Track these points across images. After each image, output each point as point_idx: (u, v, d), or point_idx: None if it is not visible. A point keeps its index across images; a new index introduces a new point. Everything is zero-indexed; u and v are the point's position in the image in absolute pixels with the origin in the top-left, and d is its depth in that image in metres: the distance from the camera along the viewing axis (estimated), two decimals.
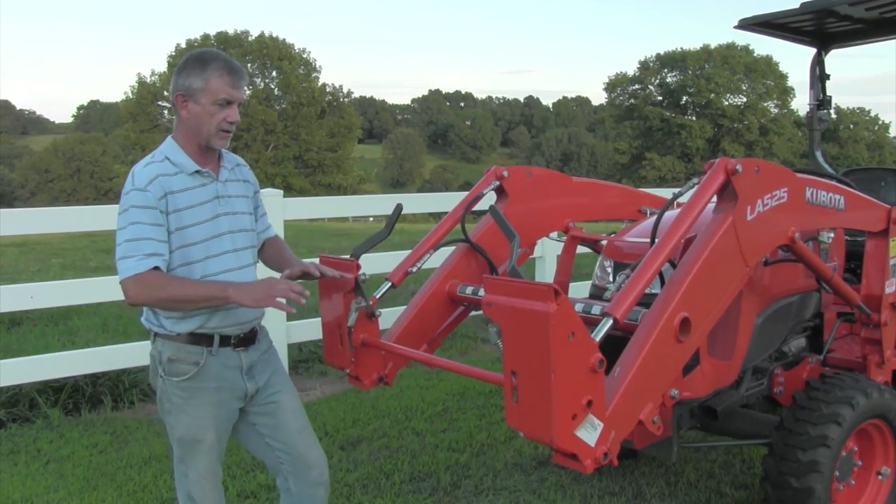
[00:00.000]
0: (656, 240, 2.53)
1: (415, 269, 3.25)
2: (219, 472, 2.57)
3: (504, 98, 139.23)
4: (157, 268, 2.28)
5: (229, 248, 2.46)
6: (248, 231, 2.56)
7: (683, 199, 2.68)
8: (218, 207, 2.46)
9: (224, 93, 2.36)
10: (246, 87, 2.45)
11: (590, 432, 2.09)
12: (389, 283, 3.20)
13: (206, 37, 51.44)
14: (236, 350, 2.48)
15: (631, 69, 76.04)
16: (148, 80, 50.84)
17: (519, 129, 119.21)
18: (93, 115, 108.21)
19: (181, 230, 2.35)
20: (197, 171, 2.42)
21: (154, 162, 2.41)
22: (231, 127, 2.42)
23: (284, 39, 52.72)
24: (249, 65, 51.51)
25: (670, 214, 2.78)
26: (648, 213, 3.95)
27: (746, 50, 57.81)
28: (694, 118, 59.31)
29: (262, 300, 2.29)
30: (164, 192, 2.33)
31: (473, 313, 3.44)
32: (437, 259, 3.34)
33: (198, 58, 2.40)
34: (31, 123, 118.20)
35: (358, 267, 2.78)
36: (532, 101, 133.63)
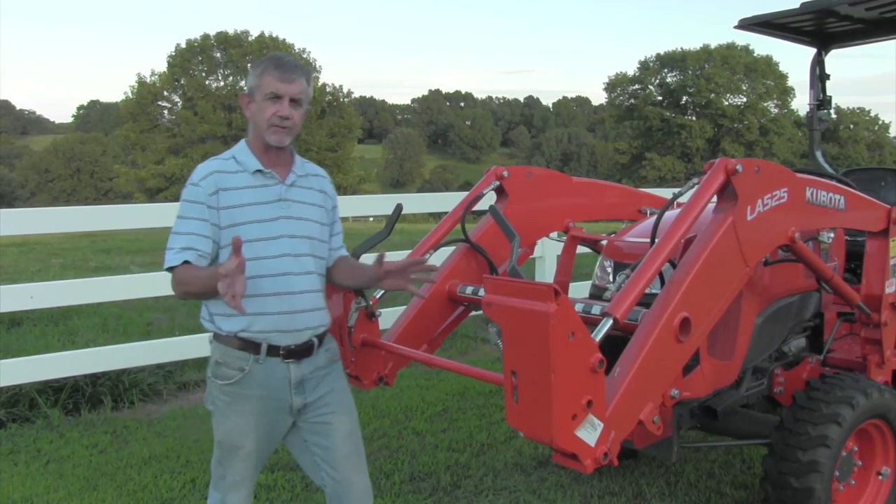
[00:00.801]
0: (656, 240, 2.53)
1: None
2: (254, 480, 2.52)
3: (504, 98, 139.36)
4: (187, 262, 2.29)
5: (288, 252, 2.40)
6: (313, 239, 2.48)
7: (683, 199, 2.68)
8: (279, 210, 2.42)
9: (271, 87, 2.36)
10: (303, 83, 2.41)
11: (590, 432, 2.09)
12: None
13: (206, 37, 51.37)
14: (285, 361, 2.41)
15: (631, 69, 76.07)
16: (148, 80, 50.79)
17: (519, 129, 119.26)
18: (93, 115, 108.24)
19: (234, 227, 2.34)
20: (259, 171, 2.41)
21: (217, 158, 2.45)
22: (282, 122, 2.39)
23: (284, 39, 52.65)
24: (249, 65, 51.45)
25: (670, 214, 2.78)
26: (648, 213, 3.95)
27: (746, 50, 57.80)
28: (694, 118, 59.29)
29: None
30: (217, 188, 2.34)
31: (473, 313, 3.44)
32: (437, 259, 3.34)
33: (258, 60, 2.47)
34: (31, 123, 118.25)
35: None
36: (532, 101, 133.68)
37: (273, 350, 2.38)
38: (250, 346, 2.37)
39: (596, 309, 2.68)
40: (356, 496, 2.55)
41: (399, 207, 3.10)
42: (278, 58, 2.43)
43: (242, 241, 2.17)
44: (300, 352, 2.43)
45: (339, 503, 2.57)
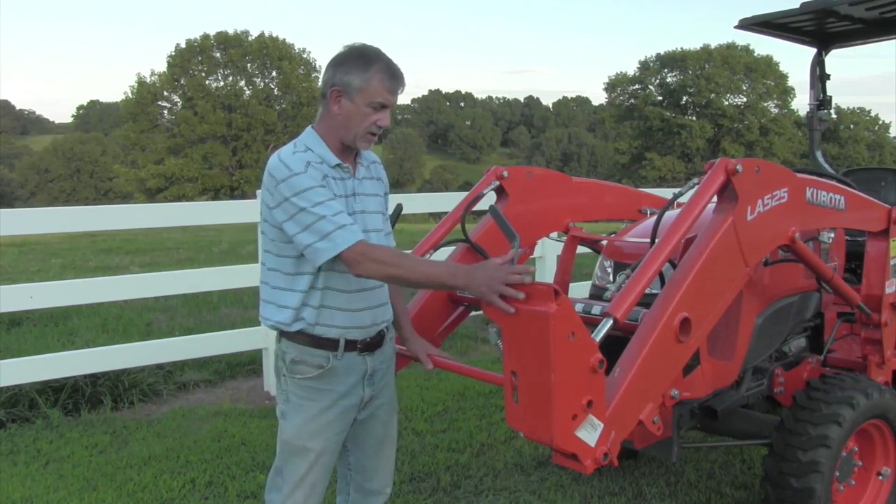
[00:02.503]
0: (656, 240, 2.53)
1: None
2: (319, 484, 2.42)
3: (504, 98, 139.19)
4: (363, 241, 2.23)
5: None
6: (378, 231, 2.46)
7: (683, 199, 2.68)
8: (354, 204, 2.38)
9: (381, 97, 2.29)
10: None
11: (590, 432, 2.09)
12: None
13: (206, 37, 51.42)
14: (361, 355, 2.40)
15: (631, 69, 76.08)
16: (148, 80, 50.82)
17: (519, 129, 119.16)
18: (93, 115, 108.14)
19: None
20: (338, 165, 2.36)
21: (299, 151, 2.32)
22: (379, 130, 2.36)
23: (284, 39, 52.74)
24: (249, 65, 51.52)
25: (670, 214, 2.78)
26: (648, 213, 3.95)
27: (746, 50, 57.78)
28: (694, 118, 59.27)
29: (486, 292, 2.04)
30: (323, 175, 2.28)
31: (473, 313, 3.44)
32: (438, 259, 3.33)
33: (360, 55, 2.31)
34: (31, 123, 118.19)
35: None
36: (532, 101, 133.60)
37: (350, 345, 2.37)
38: (326, 343, 2.34)
39: (596, 309, 2.68)
40: (380, 481, 2.62)
41: (399, 207, 3.09)
42: (390, 65, 2.32)
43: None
44: (374, 344, 2.44)
45: (358, 487, 2.62)
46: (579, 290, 4.96)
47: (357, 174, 2.42)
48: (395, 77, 2.31)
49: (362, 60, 2.29)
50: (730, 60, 57.13)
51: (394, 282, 2.35)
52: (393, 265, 2.20)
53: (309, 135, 2.38)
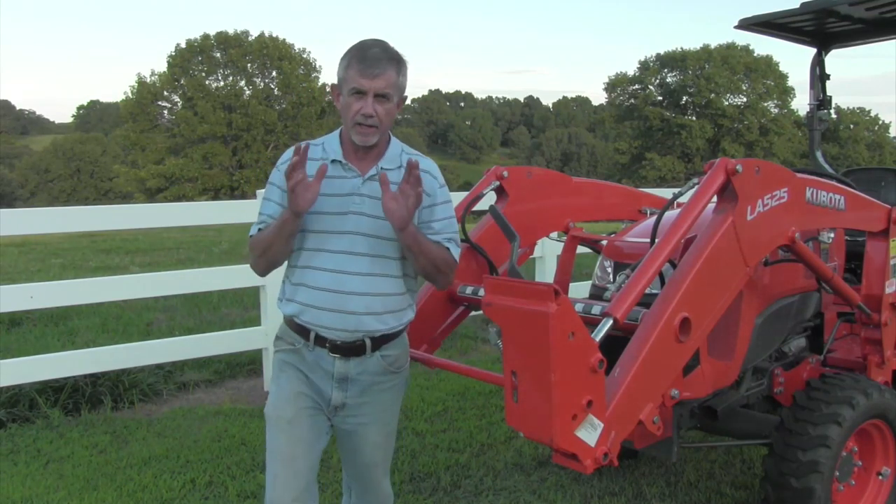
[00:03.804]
0: (656, 240, 2.53)
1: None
2: (298, 459, 2.34)
3: (504, 98, 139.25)
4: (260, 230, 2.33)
5: (347, 249, 2.30)
6: (382, 239, 2.31)
7: (683, 199, 2.68)
8: (350, 204, 2.30)
9: (355, 82, 2.23)
10: (391, 75, 2.25)
11: (590, 432, 2.09)
12: None
13: (205, 37, 51.39)
14: (331, 355, 2.34)
15: (631, 69, 76.09)
16: (148, 80, 50.80)
17: (519, 129, 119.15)
18: (93, 115, 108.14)
19: (307, 214, 2.28)
20: (336, 161, 2.33)
21: (309, 143, 2.34)
22: (366, 120, 2.25)
23: (284, 39, 52.67)
24: (249, 65, 51.52)
25: (670, 214, 2.78)
26: (648, 213, 3.95)
27: (746, 50, 57.76)
28: (694, 118, 59.26)
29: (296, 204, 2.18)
30: (315, 169, 2.28)
31: (473, 313, 3.44)
32: None
33: (348, 49, 2.31)
34: (31, 123, 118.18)
35: None
36: (532, 101, 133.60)
37: (320, 340, 2.34)
38: (302, 330, 2.36)
39: (596, 309, 2.68)
40: (376, 501, 2.58)
41: None
42: (363, 49, 2.26)
43: (307, 229, 2.29)
44: (347, 349, 2.34)
45: (360, 494, 2.60)
46: (579, 290, 4.97)
47: (367, 173, 2.33)
48: (364, 60, 2.22)
49: (345, 54, 2.29)
50: (730, 60, 57.12)
51: (268, 263, 2.35)
52: (252, 248, 2.34)
53: (336, 131, 2.43)
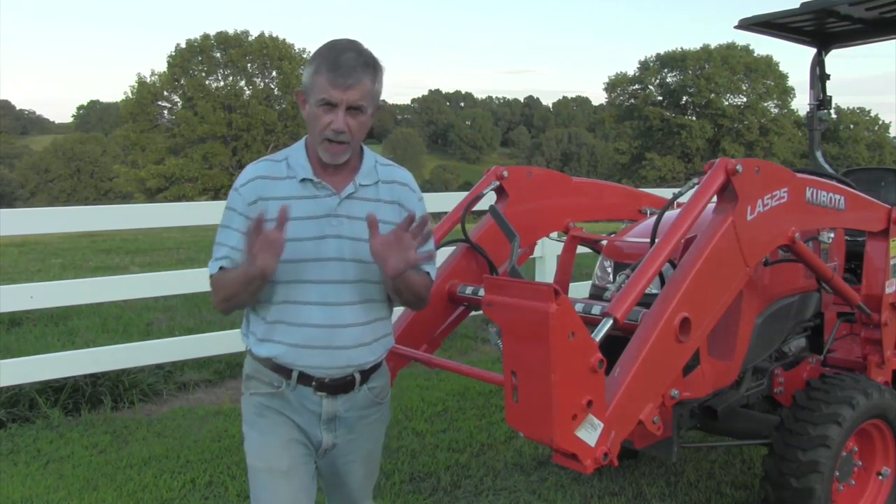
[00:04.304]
0: (656, 240, 2.53)
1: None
2: None
3: (504, 98, 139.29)
4: (223, 268, 2.05)
5: (335, 278, 2.06)
6: (366, 263, 2.05)
7: (683, 199, 2.68)
8: (327, 227, 2.05)
9: (324, 92, 1.96)
10: (366, 84, 1.99)
11: (590, 432, 2.09)
12: None
13: (205, 37, 51.44)
14: (317, 394, 2.10)
15: (631, 69, 76.15)
16: (148, 80, 50.85)
17: (519, 129, 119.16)
18: (93, 115, 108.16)
19: None
20: (307, 180, 2.06)
21: (268, 159, 2.11)
22: (337, 136, 2.00)
23: (284, 39, 52.76)
24: (249, 65, 51.54)
25: (670, 214, 2.78)
26: (648, 213, 3.95)
27: (746, 50, 57.78)
28: (694, 118, 59.28)
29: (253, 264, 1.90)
30: (258, 196, 2.04)
31: (473, 313, 3.44)
32: (438, 259, 3.32)
33: (317, 49, 2.03)
34: (31, 123, 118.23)
35: None
36: (532, 101, 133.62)
37: (305, 378, 2.09)
38: (282, 369, 2.10)
39: (596, 309, 2.68)
40: None
41: None
42: (335, 54, 1.98)
43: (281, 261, 1.95)
44: (335, 387, 2.11)
45: None
46: (579, 290, 4.97)
47: (343, 192, 2.08)
48: (336, 68, 1.95)
49: (314, 55, 2.03)
50: (730, 60, 57.13)
51: (234, 307, 2.08)
52: (220, 288, 2.05)
53: (299, 143, 2.15)
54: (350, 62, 1.96)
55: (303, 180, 2.06)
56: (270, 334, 2.09)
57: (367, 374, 2.17)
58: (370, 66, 2.01)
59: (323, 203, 2.06)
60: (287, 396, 2.11)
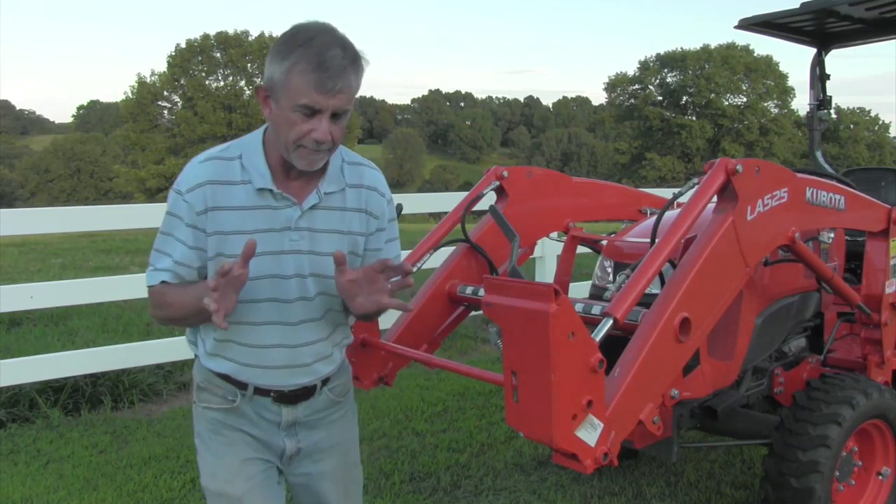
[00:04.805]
0: (656, 240, 2.53)
1: (415, 269, 3.25)
2: None
3: (504, 98, 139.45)
4: (164, 282, 1.85)
5: (292, 296, 1.88)
6: (326, 277, 1.88)
7: (683, 199, 2.68)
8: (285, 242, 1.83)
9: (306, 97, 1.68)
10: (350, 85, 1.72)
11: (590, 432, 2.09)
12: None
13: (206, 37, 51.39)
14: (276, 404, 1.97)
15: (631, 69, 76.21)
16: (148, 80, 50.84)
17: (519, 129, 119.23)
18: (93, 115, 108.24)
19: (224, 258, 1.77)
20: (265, 189, 1.82)
21: (218, 158, 1.83)
22: (317, 146, 1.74)
23: None
24: (249, 65, 51.53)
25: (670, 214, 2.78)
26: (648, 213, 3.95)
27: (746, 50, 57.81)
28: (694, 118, 59.30)
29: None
30: (207, 206, 1.80)
31: (473, 313, 3.44)
32: (437, 259, 3.34)
33: (288, 38, 1.72)
34: (31, 123, 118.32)
35: None
36: (532, 101, 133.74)
37: (262, 391, 1.95)
38: (236, 382, 1.95)
39: (596, 309, 2.68)
40: None
41: (399, 207, 3.08)
42: (317, 51, 1.68)
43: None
44: (294, 397, 1.98)
45: None
46: (579, 290, 4.97)
47: (306, 202, 1.84)
48: (322, 68, 1.67)
49: (286, 44, 1.71)
50: (730, 60, 57.16)
51: (174, 324, 1.93)
52: (162, 305, 1.84)
53: (254, 138, 1.86)
54: (337, 61, 1.69)
55: (259, 189, 1.82)
56: (221, 351, 1.93)
57: (326, 380, 2.05)
58: (356, 64, 1.75)
59: (280, 215, 1.83)
60: (242, 409, 1.96)
